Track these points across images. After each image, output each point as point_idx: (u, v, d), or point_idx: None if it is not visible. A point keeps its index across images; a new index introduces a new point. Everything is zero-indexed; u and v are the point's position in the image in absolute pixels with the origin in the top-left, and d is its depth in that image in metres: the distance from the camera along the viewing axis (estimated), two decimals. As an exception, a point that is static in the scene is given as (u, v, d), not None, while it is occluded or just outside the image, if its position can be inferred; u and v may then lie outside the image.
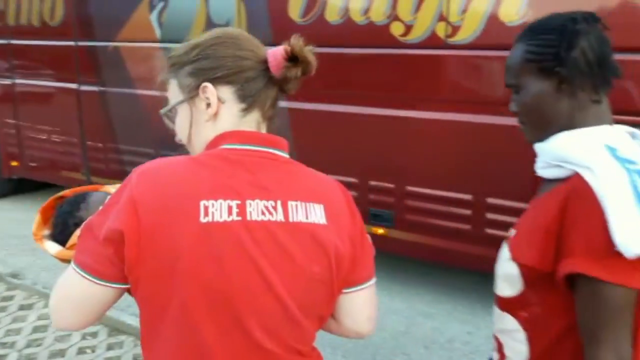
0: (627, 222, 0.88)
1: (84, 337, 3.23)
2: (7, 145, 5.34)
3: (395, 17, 3.16)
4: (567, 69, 1.01)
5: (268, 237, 0.92)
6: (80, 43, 4.57)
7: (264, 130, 1.04)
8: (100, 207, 0.93)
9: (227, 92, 1.00)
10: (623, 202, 0.89)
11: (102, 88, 4.54)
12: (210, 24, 3.88)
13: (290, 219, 0.94)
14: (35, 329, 3.31)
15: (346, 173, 3.43)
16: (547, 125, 1.06)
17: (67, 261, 0.96)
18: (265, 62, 1.00)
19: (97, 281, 0.91)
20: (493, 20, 2.90)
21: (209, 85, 0.99)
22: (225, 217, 0.89)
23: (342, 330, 1.11)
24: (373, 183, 3.46)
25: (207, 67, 1.00)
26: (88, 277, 0.90)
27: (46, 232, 1.27)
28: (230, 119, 1.00)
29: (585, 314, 0.98)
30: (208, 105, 1.00)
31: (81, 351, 3.11)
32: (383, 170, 3.42)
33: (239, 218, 0.90)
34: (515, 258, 1.05)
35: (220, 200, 0.90)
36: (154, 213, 0.88)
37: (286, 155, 1.02)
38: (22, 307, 3.57)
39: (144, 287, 0.90)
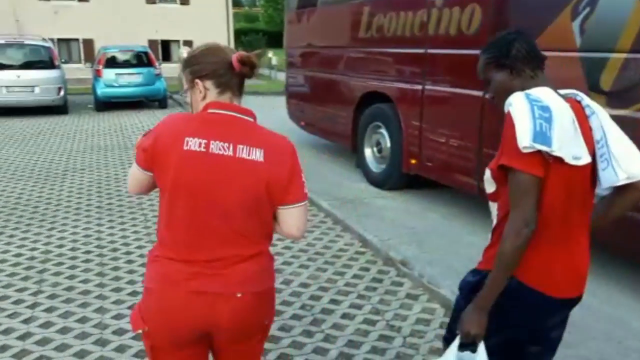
0: (523, 126, 1.57)
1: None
2: (410, 144, 5.88)
3: None
4: (511, 61, 1.77)
5: (221, 164, 1.63)
6: (493, 52, 4.64)
7: (235, 103, 1.74)
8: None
9: (209, 83, 1.72)
10: (523, 120, 1.57)
11: (507, 97, 4.51)
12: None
13: (237, 155, 1.63)
14: (419, 321, 3.51)
15: None
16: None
17: None
18: (231, 63, 1.70)
19: (140, 169, 1.75)
20: None
21: (198, 80, 1.72)
22: (196, 148, 1.62)
23: (282, 232, 1.79)
24: None
25: (197, 70, 1.73)
26: (137, 166, 1.75)
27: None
28: (213, 98, 1.72)
29: (510, 192, 1.65)
30: (200, 91, 1.72)
31: None
32: None
33: (204, 150, 1.62)
34: (489, 165, 1.78)
35: (195, 138, 1.62)
36: (162, 141, 1.65)
37: (249, 119, 1.72)
38: (408, 296, 3.85)
39: (156, 179, 1.72)
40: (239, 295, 1.68)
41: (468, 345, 1.74)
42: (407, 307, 3.70)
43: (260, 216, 1.70)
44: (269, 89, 19.47)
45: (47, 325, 3.37)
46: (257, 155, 1.65)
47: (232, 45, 24.91)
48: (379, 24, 6.33)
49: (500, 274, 1.65)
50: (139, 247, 4.66)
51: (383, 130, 6.49)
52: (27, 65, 13.06)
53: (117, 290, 3.86)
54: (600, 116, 1.75)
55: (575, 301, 1.81)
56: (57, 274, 4.11)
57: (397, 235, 4.96)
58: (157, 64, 15.00)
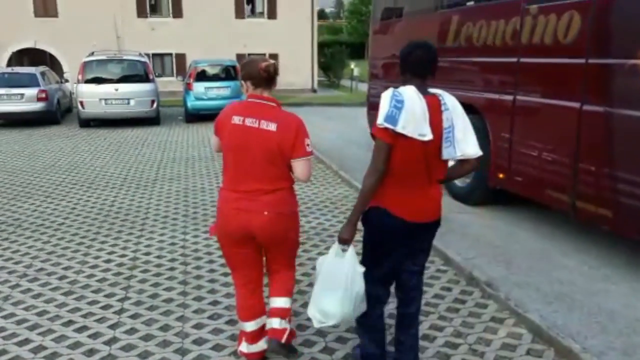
0: (382, 111, 2.45)
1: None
2: (498, 158, 5.61)
3: None
4: (403, 64, 2.62)
5: (251, 132, 2.71)
6: (591, 60, 4.32)
7: (265, 94, 2.79)
8: None
9: (249, 83, 2.80)
10: (383, 107, 2.46)
11: (608, 109, 4.17)
12: None
13: (260, 127, 2.70)
14: (504, 346, 3.29)
15: None
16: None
17: None
18: (259, 69, 2.77)
19: (215, 135, 2.92)
20: None
21: (243, 81, 2.83)
22: (237, 122, 2.74)
23: (295, 177, 2.84)
24: None
25: (243, 74, 2.82)
26: (213, 134, 2.94)
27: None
28: (251, 91, 2.81)
29: (373, 151, 2.55)
30: (245, 87, 2.84)
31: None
32: None
33: (242, 123, 2.73)
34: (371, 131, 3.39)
35: (238, 116, 2.75)
36: (222, 119, 2.83)
37: (271, 104, 2.77)
38: (493, 319, 3.62)
39: (220, 142, 2.87)
40: (265, 213, 2.77)
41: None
42: (492, 331, 3.48)
43: (276, 165, 2.77)
44: (349, 100, 19.55)
45: (131, 331, 3.48)
46: (272, 127, 2.72)
47: (315, 56, 25.28)
48: (467, 33, 6.12)
49: (361, 200, 2.63)
50: (221, 256, 4.73)
51: (468, 143, 6.24)
52: (124, 79, 13.89)
53: (199, 299, 3.92)
54: (453, 112, 2.62)
55: (428, 225, 2.75)
56: (142, 281, 4.26)
57: (481, 253, 4.72)
58: (243, 76, 15.41)
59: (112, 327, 3.53)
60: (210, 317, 3.65)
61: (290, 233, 2.89)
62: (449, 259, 4.53)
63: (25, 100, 13.82)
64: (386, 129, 2.47)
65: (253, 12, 24.90)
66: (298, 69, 24.47)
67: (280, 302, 2.98)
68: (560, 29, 4.64)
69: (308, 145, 2.75)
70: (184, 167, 8.79)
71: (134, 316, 3.67)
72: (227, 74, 15.26)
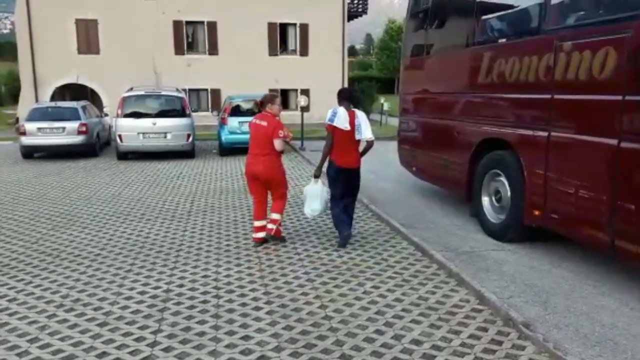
0: (328, 117, 5.95)
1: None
2: (533, 194, 5.52)
3: None
4: (338, 97, 6.12)
5: (257, 126, 6.09)
6: (629, 97, 4.26)
7: (265, 110, 6.18)
8: None
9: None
10: (329, 115, 6.01)
11: (648, 146, 4.09)
12: None
13: (260, 124, 6.07)
14: (544, 391, 3.18)
15: None
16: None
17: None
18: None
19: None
20: None
21: (260, 107, 6.51)
22: (254, 122, 6.15)
23: (275, 148, 6.08)
24: None
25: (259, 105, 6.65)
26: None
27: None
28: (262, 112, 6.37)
29: (326, 136, 6.14)
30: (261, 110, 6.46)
31: None
32: None
33: (254, 122, 6.15)
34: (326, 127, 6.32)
35: (255, 119, 6.18)
36: (252, 120, 6.25)
37: (269, 114, 6.09)
38: (531, 362, 3.52)
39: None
40: (259, 165, 5.99)
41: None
42: (531, 374, 3.37)
43: (265, 142, 5.94)
44: (379, 134, 19.44)
45: (164, 364, 3.49)
46: (265, 124, 5.97)
47: (348, 92, 25.53)
48: (500, 69, 6.12)
49: (322, 157, 6.05)
50: (253, 290, 4.75)
51: (503, 179, 6.18)
52: (162, 114, 14.25)
53: (230, 333, 3.92)
54: (360, 119, 5.94)
55: (352, 170, 6.01)
56: (175, 313, 4.29)
57: (518, 293, 4.61)
58: (276, 111, 15.68)
59: None
60: (242, 352, 3.63)
61: (274, 175, 6.02)
62: (484, 298, 4.43)
63: (67, 133, 14.30)
64: (330, 125, 5.78)
65: (286, 50, 25.45)
66: (329, 104, 24.55)
67: (273, 215, 6.11)
68: (596, 65, 4.61)
69: (280, 132, 5.84)
70: (217, 200, 8.91)
71: (167, 349, 3.69)
72: (261, 108, 15.52)
